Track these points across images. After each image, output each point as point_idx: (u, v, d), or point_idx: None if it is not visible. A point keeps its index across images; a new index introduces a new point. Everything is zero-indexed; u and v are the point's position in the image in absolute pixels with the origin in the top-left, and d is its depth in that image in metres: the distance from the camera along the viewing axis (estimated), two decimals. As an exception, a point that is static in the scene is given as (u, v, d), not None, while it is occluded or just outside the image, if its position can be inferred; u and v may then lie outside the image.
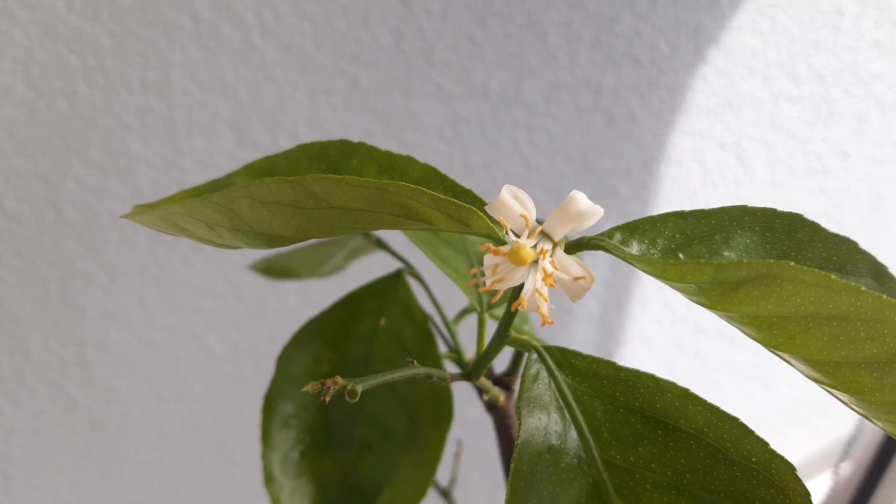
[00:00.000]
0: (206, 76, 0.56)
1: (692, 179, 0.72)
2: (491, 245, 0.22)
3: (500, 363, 0.34)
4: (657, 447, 0.23)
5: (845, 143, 0.74)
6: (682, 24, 0.64)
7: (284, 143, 0.60)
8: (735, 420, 0.23)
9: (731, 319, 0.22)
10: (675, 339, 0.84)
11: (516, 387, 0.32)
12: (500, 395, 0.31)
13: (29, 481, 0.68)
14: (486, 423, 0.73)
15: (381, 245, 0.40)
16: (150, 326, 0.65)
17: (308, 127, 0.60)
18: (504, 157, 0.66)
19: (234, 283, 0.65)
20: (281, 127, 0.59)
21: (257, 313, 0.67)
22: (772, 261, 0.19)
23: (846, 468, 0.91)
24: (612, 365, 0.24)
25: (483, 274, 0.23)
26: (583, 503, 0.23)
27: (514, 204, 0.22)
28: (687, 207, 0.25)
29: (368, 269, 0.62)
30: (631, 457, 0.23)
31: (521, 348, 0.26)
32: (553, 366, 0.24)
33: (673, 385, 0.23)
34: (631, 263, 0.22)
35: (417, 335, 0.34)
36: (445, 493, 0.48)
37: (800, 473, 0.22)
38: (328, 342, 0.35)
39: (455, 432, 0.40)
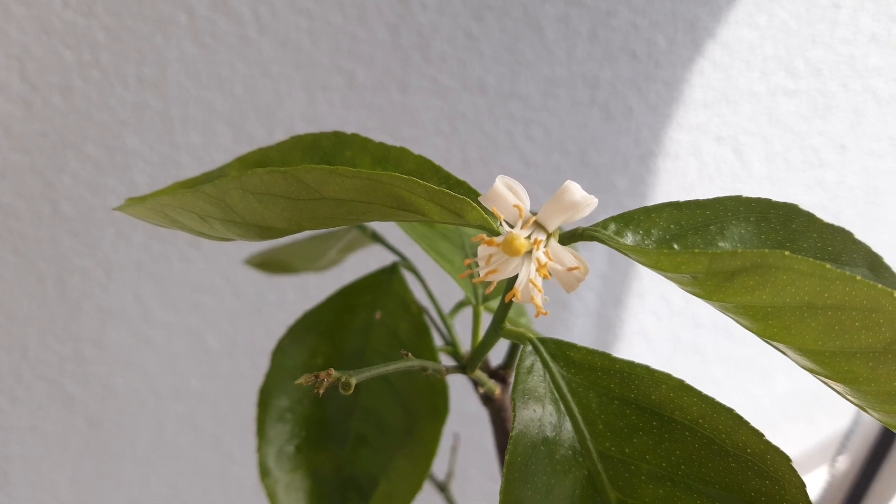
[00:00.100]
0: (203, 72, 0.56)
1: (689, 174, 0.72)
2: (484, 236, 0.22)
3: (497, 357, 0.34)
4: (652, 438, 0.23)
5: (842, 137, 0.74)
6: (679, 18, 0.64)
7: (281, 139, 0.60)
8: (730, 411, 0.23)
9: (725, 310, 0.22)
10: (673, 333, 0.84)
11: (512, 379, 0.32)
12: (496, 388, 0.31)
13: (27, 478, 0.68)
14: (484, 417, 0.73)
15: (376, 238, 0.40)
16: (146, 323, 0.65)
17: (304, 122, 0.60)
18: (501, 152, 0.66)
19: (231, 279, 0.65)
20: (277, 122, 0.59)
21: (254, 309, 0.67)
22: (766, 250, 0.19)
23: (843, 462, 0.91)
24: (607, 356, 0.24)
25: (477, 265, 0.23)
26: (578, 495, 0.23)
27: (507, 194, 0.22)
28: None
29: (365, 263, 0.62)
30: (626, 448, 0.23)
31: (516, 340, 0.26)
32: (548, 357, 0.24)
33: (668, 376, 0.23)
34: (625, 254, 0.22)
35: (413, 328, 0.34)
36: (442, 487, 0.48)
37: (796, 467, 0.22)
38: (323, 335, 0.35)
39: (453, 426, 0.40)
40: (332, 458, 0.35)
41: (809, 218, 0.24)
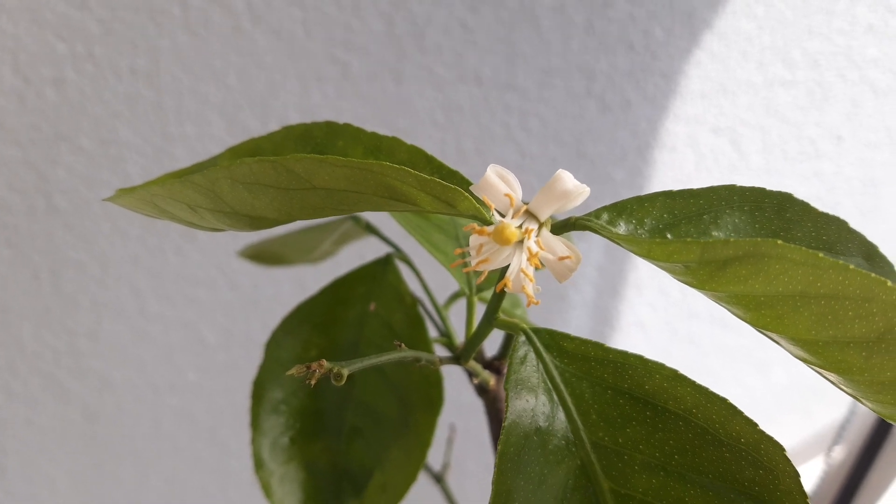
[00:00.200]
0: (196, 63, 0.55)
1: (686, 165, 0.72)
2: (476, 225, 0.21)
3: (493, 348, 0.34)
4: (646, 428, 0.23)
5: (839, 128, 0.74)
6: (676, 9, 0.63)
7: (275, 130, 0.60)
8: (724, 401, 0.23)
9: (718, 299, 0.22)
10: (670, 324, 0.84)
11: (506, 370, 0.32)
12: (491, 379, 0.31)
13: (23, 472, 0.68)
14: (482, 409, 0.73)
15: (370, 230, 0.39)
16: (142, 316, 0.64)
17: (299, 113, 0.59)
18: (497, 143, 0.66)
19: (226, 272, 0.65)
20: (272, 113, 0.59)
21: (250, 302, 0.67)
22: (759, 239, 0.19)
23: (839, 452, 0.91)
24: (601, 346, 0.24)
25: (469, 254, 0.22)
26: (571, 485, 0.23)
27: (499, 183, 0.22)
28: (678, 190, 0.25)
29: (361, 255, 0.62)
30: (619, 438, 0.23)
31: (510, 330, 0.26)
32: (541, 347, 0.24)
33: (662, 366, 0.23)
34: (618, 243, 0.22)
35: (407, 320, 0.34)
36: (439, 479, 0.48)
37: (792, 458, 0.22)
38: (317, 327, 0.35)
39: (450, 419, 0.40)
40: (327, 449, 0.35)
41: (804, 207, 0.24)
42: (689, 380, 0.23)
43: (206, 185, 0.21)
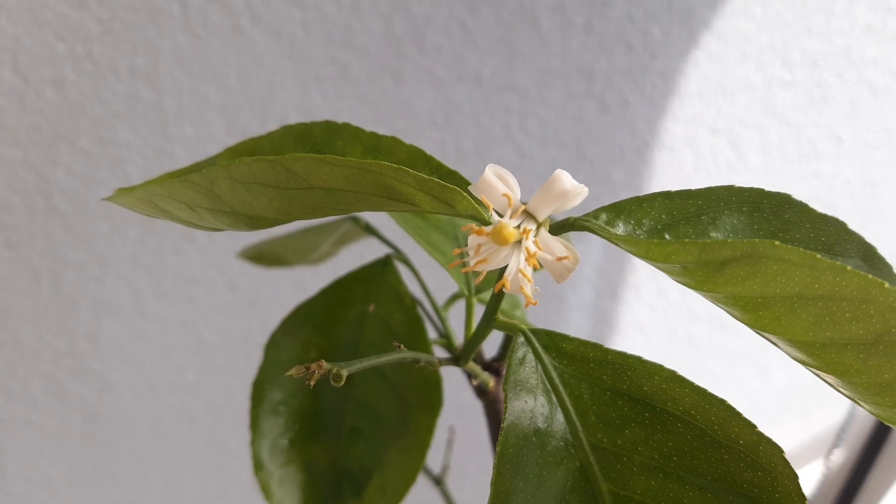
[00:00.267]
0: (196, 63, 0.55)
1: (685, 165, 0.72)
2: (474, 225, 0.21)
3: (492, 349, 0.34)
4: (644, 430, 0.23)
5: (838, 128, 0.74)
6: (675, 9, 0.63)
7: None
8: (722, 402, 0.23)
9: (716, 300, 0.22)
10: (669, 326, 0.84)
11: (505, 371, 0.32)
12: (490, 380, 0.31)
13: (22, 472, 0.68)
14: (482, 411, 0.73)
15: (370, 231, 0.39)
16: (141, 316, 0.64)
17: (298, 114, 0.59)
18: (496, 144, 0.66)
19: (226, 273, 0.65)
20: (271, 114, 0.59)
21: (250, 302, 0.67)
22: (756, 240, 0.19)
23: (838, 455, 0.91)
24: (599, 347, 0.24)
25: (467, 255, 0.22)
26: (569, 486, 0.23)
27: (497, 183, 0.22)
28: (676, 190, 0.25)
29: (361, 256, 0.62)
30: (618, 440, 0.23)
31: (509, 331, 0.26)
32: (540, 348, 0.24)
33: (660, 367, 0.23)
34: (616, 244, 0.22)
35: (406, 320, 0.34)
36: (438, 481, 0.48)
37: (792, 461, 0.22)
38: (316, 328, 0.35)
39: (450, 421, 0.40)
40: (327, 450, 0.35)
41: (802, 208, 0.24)
42: (688, 381, 0.23)
43: (205, 184, 0.21)
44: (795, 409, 0.99)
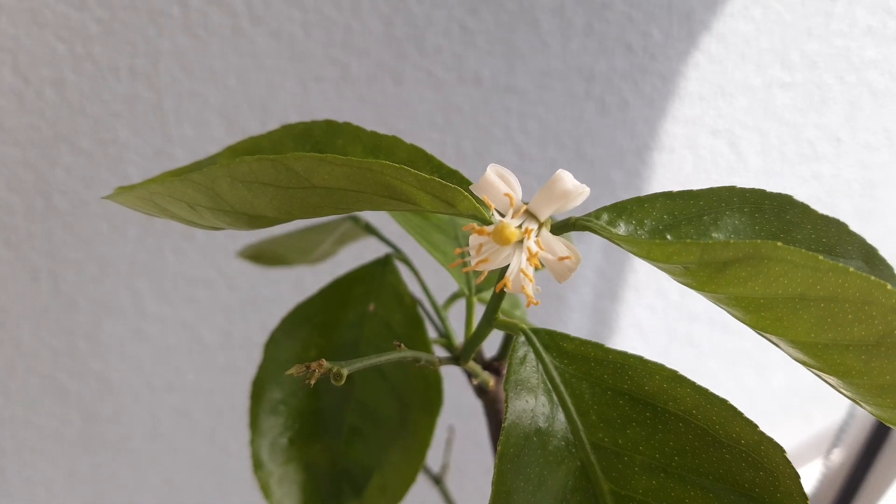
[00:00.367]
0: (195, 64, 0.55)
1: (685, 167, 0.72)
2: (475, 225, 0.21)
3: (492, 349, 0.34)
4: (645, 430, 0.23)
5: (838, 130, 0.74)
6: (674, 10, 0.63)
7: (274, 131, 0.60)
8: (724, 402, 0.23)
9: (718, 301, 0.22)
10: (669, 327, 0.84)
11: (506, 371, 0.32)
12: (490, 380, 0.31)
13: (21, 472, 0.68)
14: (481, 411, 0.73)
15: (370, 230, 0.39)
16: (141, 316, 0.64)
17: (298, 115, 0.59)
18: (496, 145, 0.66)
19: (225, 273, 0.65)
20: (271, 115, 0.59)
21: (249, 302, 0.67)
22: (759, 241, 0.18)
23: (837, 455, 0.91)
24: (600, 347, 0.24)
25: (468, 254, 0.22)
26: (570, 486, 0.23)
27: (499, 183, 0.22)
28: (676, 191, 0.25)
29: (361, 256, 0.62)
30: (619, 439, 0.23)
31: (509, 331, 0.26)
32: (541, 348, 0.24)
33: (661, 367, 0.23)
34: (617, 244, 0.22)
35: (406, 320, 0.34)
36: (437, 480, 0.48)
37: (791, 461, 0.22)
38: (316, 328, 0.35)
39: (450, 420, 0.40)
40: (326, 450, 0.35)
41: (804, 209, 0.24)
42: (689, 381, 0.23)
43: (206, 183, 0.21)
44: (795, 408, 0.99)
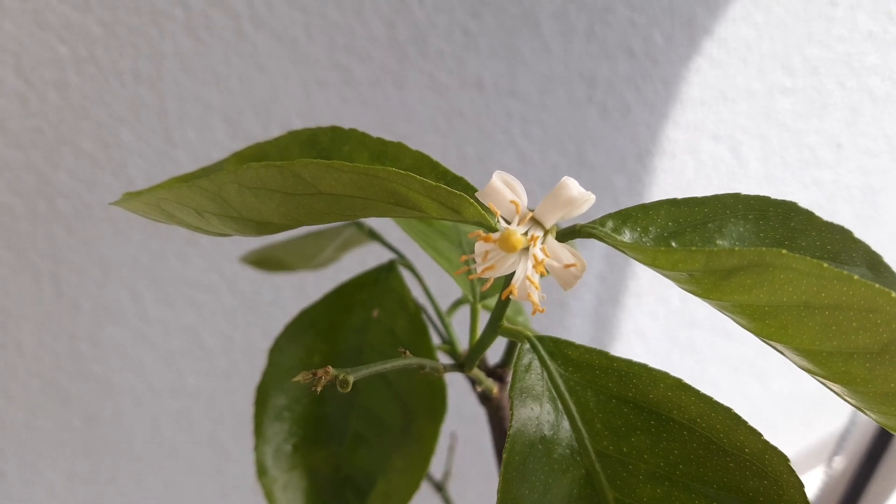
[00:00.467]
0: (199, 67, 0.55)
1: (686, 172, 0.72)
2: (481, 232, 0.21)
3: (495, 356, 0.34)
4: (650, 438, 0.23)
5: (839, 136, 0.74)
6: (676, 15, 0.63)
7: (277, 135, 0.60)
8: (728, 410, 0.23)
9: (723, 308, 0.22)
10: (671, 333, 0.84)
11: (509, 378, 0.32)
12: (494, 387, 0.31)
13: (22, 476, 0.68)
14: (482, 417, 0.73)
15: (373, 236, 0.39)
16: (143, 320, 0.64)
17: (301, 119, 0.60)
18: (498, 150, 0.66)
19: (228, 277, 0.64)
20: (274, 118, 0.59)
21: (252, 307, 0.67)
22: (764, 249, 0.18)
23: (839, 462, 0.91)
24: (605, 355, 0.24)
25: (474, 262, 0.22)
26: (575, 494, 0.23)
27: (504, 190, 0.22)
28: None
29: (364, 262, 0.62)
30: (624, 447, 0.23)
31: (514, 338, 0.26)
32: (545, 355, 0.24)
33: (665, 375, 0.23)
34: (623, 251, 0.22)
35: (410, 326, 0.34)
36: (440, 487, 0.48)
37: (793, 467, 0.22)
38: (320, 334, 0.35)
39: (451, 426, 0.40)
40: (330, 456, 0.35)
41: (808, 216, 0.24)
42: (693, 389, 0.23)
43: (213, 189, 0.21)
44: (796, 416, 0.99)
